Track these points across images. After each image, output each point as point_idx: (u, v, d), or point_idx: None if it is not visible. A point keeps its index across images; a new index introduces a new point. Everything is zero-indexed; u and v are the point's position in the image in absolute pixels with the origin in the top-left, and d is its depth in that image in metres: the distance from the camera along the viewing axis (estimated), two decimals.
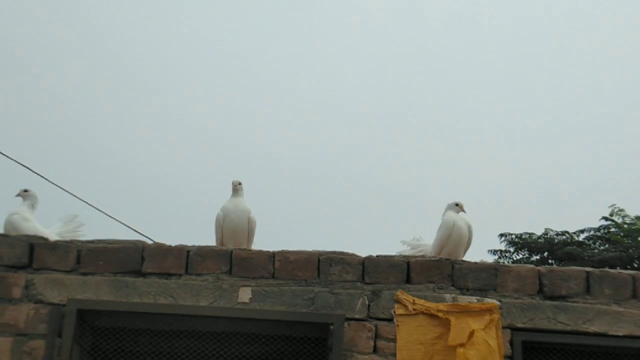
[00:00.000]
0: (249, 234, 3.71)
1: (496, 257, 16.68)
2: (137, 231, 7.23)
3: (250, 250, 3.17)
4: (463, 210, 3.89)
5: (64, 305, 3.01)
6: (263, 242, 3.75)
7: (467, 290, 3.12)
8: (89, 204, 6.52)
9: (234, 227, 3.69)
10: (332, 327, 3.00)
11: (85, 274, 3.09)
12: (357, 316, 3.05)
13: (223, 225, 3.68)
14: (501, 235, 16.95)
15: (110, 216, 7.17)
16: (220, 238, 3.69)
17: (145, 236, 7.12)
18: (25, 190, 3.94)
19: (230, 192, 3.88)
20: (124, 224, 7.29)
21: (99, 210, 6.84)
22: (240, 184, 3.84)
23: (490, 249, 16.77)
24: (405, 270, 3.14)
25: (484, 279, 3.13)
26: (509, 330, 3.04)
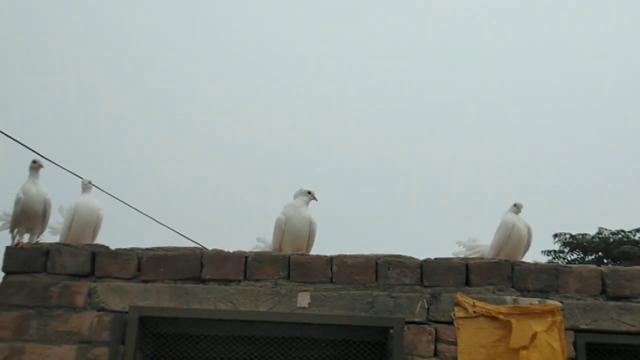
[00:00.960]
0: (310, 239, 3.70)
1: (550, 257, 16.52)
2: (188, 238, 7.31)
3: (307, 255, 3.17)
4: (520, 211, 3.84)
5: (126, 312, 3.06)
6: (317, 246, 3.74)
7: (528, 291, 3.08)
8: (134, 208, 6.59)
9: (295, 231, 3.67)
10: (392, 330, 2.99)
11: (146, 282, 3.13)
12: (416, 319, 3.03)
13: (284, 229, 3.66)
14: (555, 235, 16.77)
15: (160, 222, 7.26)
16: (279, 242, 3.68)
17: (196, 242, 7.21)
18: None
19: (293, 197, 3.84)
20: (174, 230, 7.37)
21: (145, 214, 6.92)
22: (309, 192, 3.81)
23: (543, 249, 16.60)
24: (464, 273, 3.11)
25: (545, 280, 3.09)
26: (572, 332, 2.99)
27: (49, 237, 3.81)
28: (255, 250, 3.28)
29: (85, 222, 3.71)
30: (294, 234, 3.65)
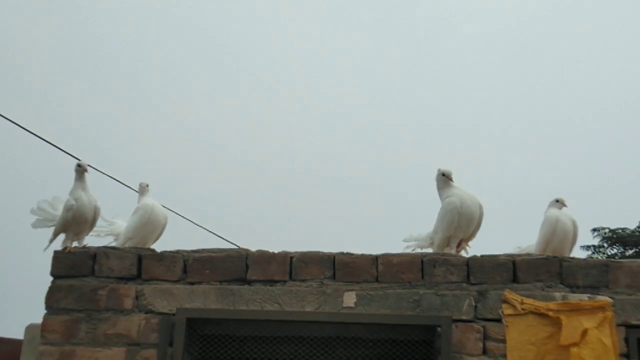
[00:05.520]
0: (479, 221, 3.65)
1: (589, 252, 16.30)
2: (230, 241, 7.34)
3: (352, 254, 3.15)
4: (565, 205, 3.78)
5: (173, 314, 3.08)
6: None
7: (577, 287, 3.03)
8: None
9: (470, 214, 3.60)
10: (439, 329, 2.97)
11: (192, 284, 3.15)
12: (464, 317, 3.01)
13: (460, 212, 3.59)
14: (594, 230, 16.56)
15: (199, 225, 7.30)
16: (455, 226, 3.57)
17: (231, 242, 7.24)
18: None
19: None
20: (217, 234, 7.41)
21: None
22: (443, 174, 3.71)
23: (582, 244, 16.39)
24: (512, 270, 3.08)
25: (595, 276, 3.04)
26: (623, 328, 2.94)
27: (93, 240, 3.87)
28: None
29: (156, 223, 3.83)
30: (468, 218, 3.61)
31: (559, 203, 3.76)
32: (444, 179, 3.66)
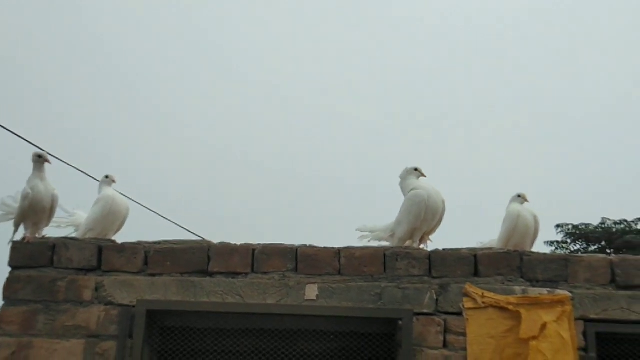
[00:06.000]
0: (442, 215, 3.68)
1: (553, 248, 16.51)
2: (194, 233, 7.29)
3: (315, 247, 3.15)
4: (526, 200, 3.81)
5: (133, 306, 3.05)
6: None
7: (537, 282, 3.06)
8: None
9: (436, 207, 3.60)
10: (400, 322, 2.97)
11: (153, 275, 3.12)
12: (425, 311, 3.02)
13: (428, 205, 3.58)
14: (558, 226, 16.77)
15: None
16: (422, 218, 3.59)
17: (201, 237, 7.19)
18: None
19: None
20: (180, 225, 7.36)
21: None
22: (416, 169, 3.75)
23: (546, 240, 16.60)
24: (473, 264, 3.10)
25: (554, 270, 3.07)
26: (581, 322, 2.98)
27: (53, 231, 3.82)
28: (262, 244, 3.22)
29: (117, 214, 3.80)
30: (434, 210, 3.60)
31: (520, 198, 3.79)
32: (416, 172, 3.68)
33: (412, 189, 3.63)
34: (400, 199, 3.69)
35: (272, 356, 3.15)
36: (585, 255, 3.19)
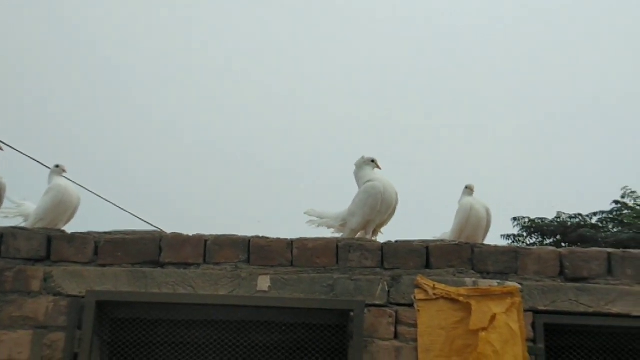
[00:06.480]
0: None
1: (509, 241, 16.68)
2: (148, 222, 7.24)
3: (267, 238, 3.14)
4: (473, 191, 3.84)
5: (83, 297, 3.01)
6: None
7: (488, 274, 3.09)
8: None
9: (390, 199, 3.60)
10: (352, 313, 2.98)
11: (103, 266, 3.08)
12: (377, 302, 3.03)
13: (384, 197, 3.57)
14: (514, 219, 16.95)
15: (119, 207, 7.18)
16: (377, 211, 3.61)
17: (156, 227, 7.14)
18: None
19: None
20: (133, 214, 7.30)
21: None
22: (373, 161, 3.78)
23: (503, 233, 16.77)
24: (425, 255, 3.12)
25: (505, 262, 3.10)
26: (531, 313, 3.01)
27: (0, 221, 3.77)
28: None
29: (68, 204, 3.76)
30: (389, 202, 3.59)
31: (468, 189, 3.83)
32: (372, 164, 3.69)
33: (367, 181, 3.64)
34: (351, 188, 3.70)
35: (224, 348, 3.14)
36: (534, 247, 3.23)
